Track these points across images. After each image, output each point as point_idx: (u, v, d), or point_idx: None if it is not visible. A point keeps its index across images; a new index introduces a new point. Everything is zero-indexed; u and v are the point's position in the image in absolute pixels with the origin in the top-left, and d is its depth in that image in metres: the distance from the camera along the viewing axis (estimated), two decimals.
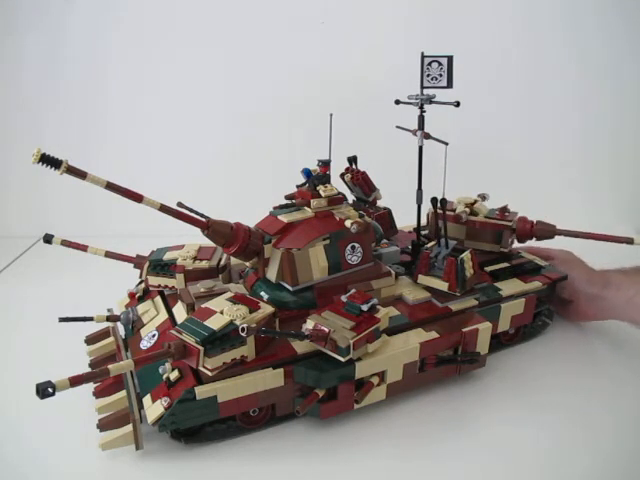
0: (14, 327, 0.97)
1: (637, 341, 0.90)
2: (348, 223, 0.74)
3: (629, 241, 0.87)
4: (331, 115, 0.83)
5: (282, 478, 0.64)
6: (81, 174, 0.58)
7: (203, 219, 0.71)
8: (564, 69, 1.48)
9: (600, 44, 1.45)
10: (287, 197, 0.82)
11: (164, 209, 0.66)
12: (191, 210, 0.74)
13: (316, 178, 0.78)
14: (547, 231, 0.93)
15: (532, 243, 0.99)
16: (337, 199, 0.78)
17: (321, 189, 0.77)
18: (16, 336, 0.94)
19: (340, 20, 1.43)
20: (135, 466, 0.65)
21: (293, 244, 0.73)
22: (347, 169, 0.97)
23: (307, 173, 0.78)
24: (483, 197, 0.99)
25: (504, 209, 0.96)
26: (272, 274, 0.74)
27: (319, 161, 0.80)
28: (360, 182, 0.94)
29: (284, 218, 0.75)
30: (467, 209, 0.95)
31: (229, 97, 1.48)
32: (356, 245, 0.77)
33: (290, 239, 0.74)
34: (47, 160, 0.55)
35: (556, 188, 1.48)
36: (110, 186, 0.61)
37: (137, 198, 0.63)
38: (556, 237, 0.94)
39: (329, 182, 0.80)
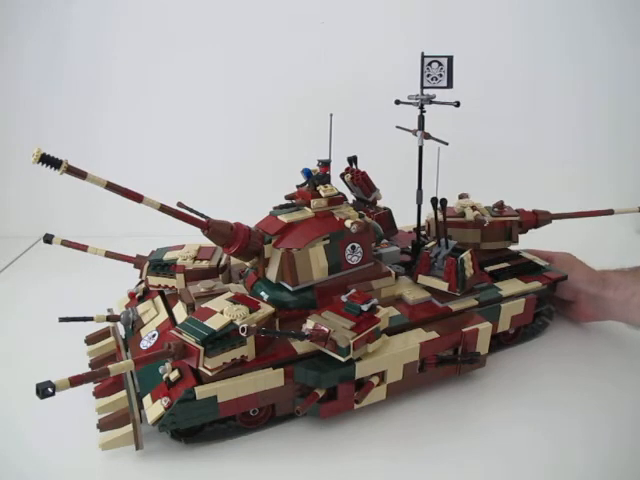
0: (14, 327, 0.97)
1: (637, 341, 0.90)
2: (348, 223, 0.74)
3: (609, 212, 0.98)
4: (331, 115, 0.83)
5: (282, 478, 0.64)
6: (81, 174, 0.58)
7: (203, 219, 0.71)
8: (564, 69, 1.48)
9: (600, 44, 1.45)
10: (287, 197, 0.82)
11: (164, 209, 0.66)
12: (191, 210, 0.74)
13: (316, 178, 0.78)
14: (547, 217, 0.99)
15: (533, 245, 0.99)
16: (337, 199, 0.78)
17: (321, 189, 0.77)
18: (16, 336, 0.94)
19: (340, 20, 1.43)
20: (135, 466, 0.65)
21: (293, 244, 0.73)
22: (347, 169, 0.97)
23: (307, 173, 0.78)
24: (464, 196, 1.01)
25: (501, 205, 0.98)
26: (272, 274, 0.74)
27: (319, 161, 0.80)
28: (360, 182, 0.94)
29: (284, 218, 0.75)
30: (478, 212, 0.95)
31: (229, 97, 1.48)
32: (356, 245, 0.77)
33: (290, 239, 0.74)
34: (47, 160, 0.55)
35: (556, 188, 1.48)
36: (110, 186, 0.61)
37: (137, 198, 0.63)
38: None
39: (329, 182, 0.80)
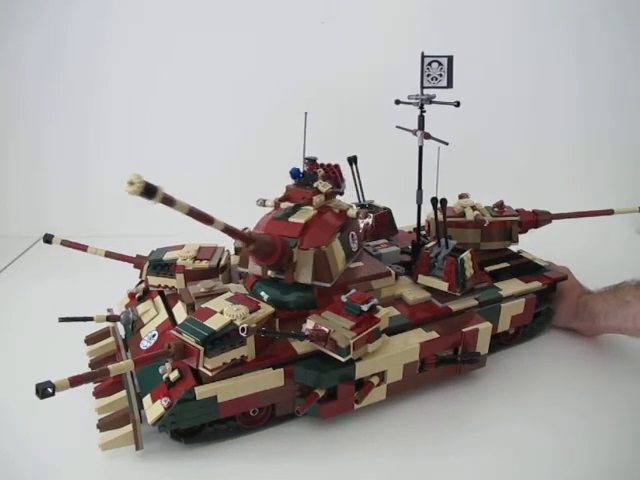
0: (14, 327, 0.97)
1: (637, 340, 0.90)
2: (352, 212, 0.77)
3: (609, 212, 0.97)
4: (306, 114, 0.81)
5: (282, 478, 0.64)
6: (171, 201, 0.51)
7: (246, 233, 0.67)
8: (564, 68, 1.48)
9: (602, 43, 1.45)
10: (282, 199, 0.80)
11: (227, 229, 0.61)
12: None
13: (308, 176, 0.78)
14: (547, 217, 0.98)
15: (534, 244, 0.99)
16: (331, 193, 0.80)
17: (319, 185, 0.77)
18: (16, 336, 0.94)
19: (340, 20, 1.43)
20: (135, 466, 0.65)
21: (318, 242, 0.72)
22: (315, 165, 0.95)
23: (296, 173, 0.77)
24: (465, 196, 1.01)
25: (501, 205, 0.98)
26: (306, 276, 0.72)
27: (305, 159, 0.79)
28: (333, 175, 0.93)
29: (298, 219, 0.73)
30: (478, 212, 0.95)
31: (229, 97, 1.48)
32: (354, 233, 0.81)
33: (312, 238, 0.72)
34: (149, 191, 0.46)
35: (556, 188, 1.48)
36: (192, 212, 0.54)
37: (209, 221, 0.58)
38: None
39: (317, 179, 0.79)
